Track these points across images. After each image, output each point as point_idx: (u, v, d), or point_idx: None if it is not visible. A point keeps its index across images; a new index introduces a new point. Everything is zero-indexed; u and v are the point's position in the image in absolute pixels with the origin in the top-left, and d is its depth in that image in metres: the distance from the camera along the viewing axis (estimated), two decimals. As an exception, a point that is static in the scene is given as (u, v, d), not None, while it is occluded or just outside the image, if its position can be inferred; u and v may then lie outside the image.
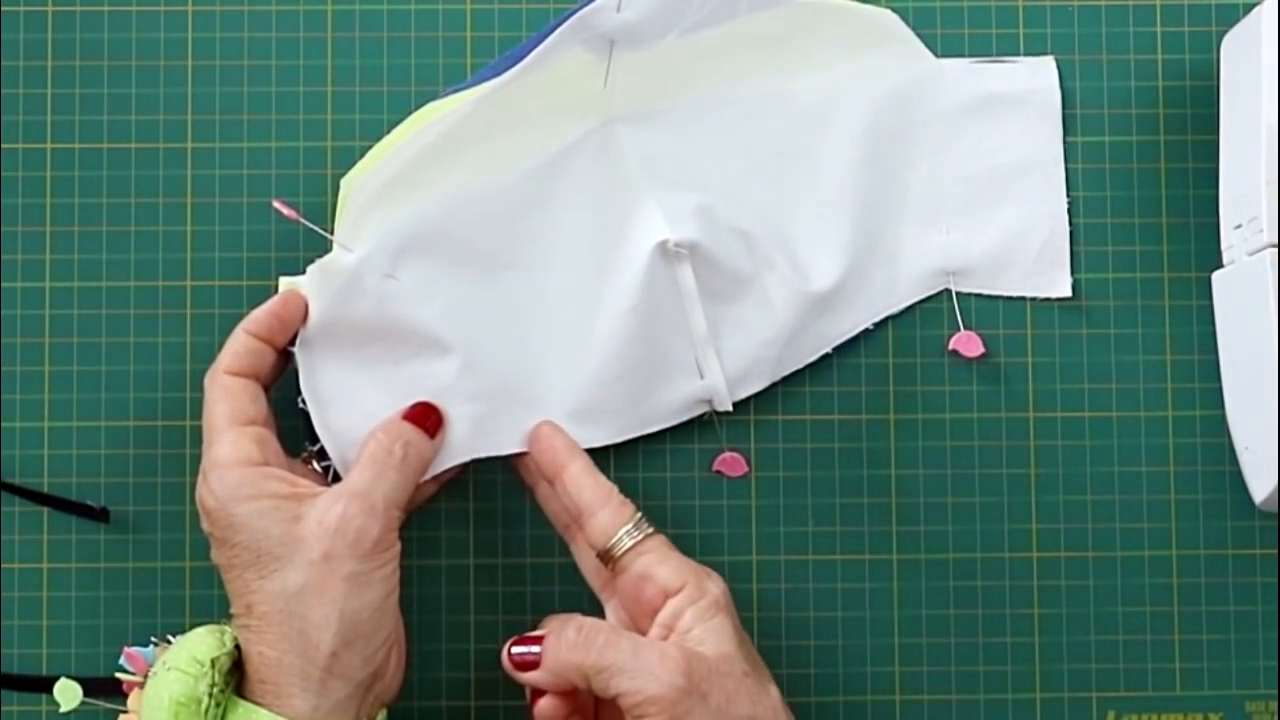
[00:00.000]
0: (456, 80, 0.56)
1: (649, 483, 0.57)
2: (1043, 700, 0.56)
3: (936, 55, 0.58)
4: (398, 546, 0.50)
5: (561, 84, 0.54)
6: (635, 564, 0.51)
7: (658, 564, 0.51)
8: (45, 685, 0.51)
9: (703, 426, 0.57)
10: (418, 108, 0.55)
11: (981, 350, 0.57)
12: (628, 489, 0.56)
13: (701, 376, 0.56)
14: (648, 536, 0.52)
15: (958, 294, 0.57)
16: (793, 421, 0.57)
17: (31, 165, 0.57)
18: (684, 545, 0.57)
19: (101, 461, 0.57)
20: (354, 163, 0.54)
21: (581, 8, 0.53)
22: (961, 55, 0.59)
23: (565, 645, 0.49)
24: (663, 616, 0.51)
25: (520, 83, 0.53)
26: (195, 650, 0.48)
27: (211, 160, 0.57)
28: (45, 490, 0.56)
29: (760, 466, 0.57)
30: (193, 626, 0.51)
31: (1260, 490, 0.54)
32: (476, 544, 0.57)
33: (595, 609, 0.56)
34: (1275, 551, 0.57)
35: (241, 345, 0.52)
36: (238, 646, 0.49)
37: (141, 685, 0.49)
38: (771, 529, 0.57)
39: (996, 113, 0.58)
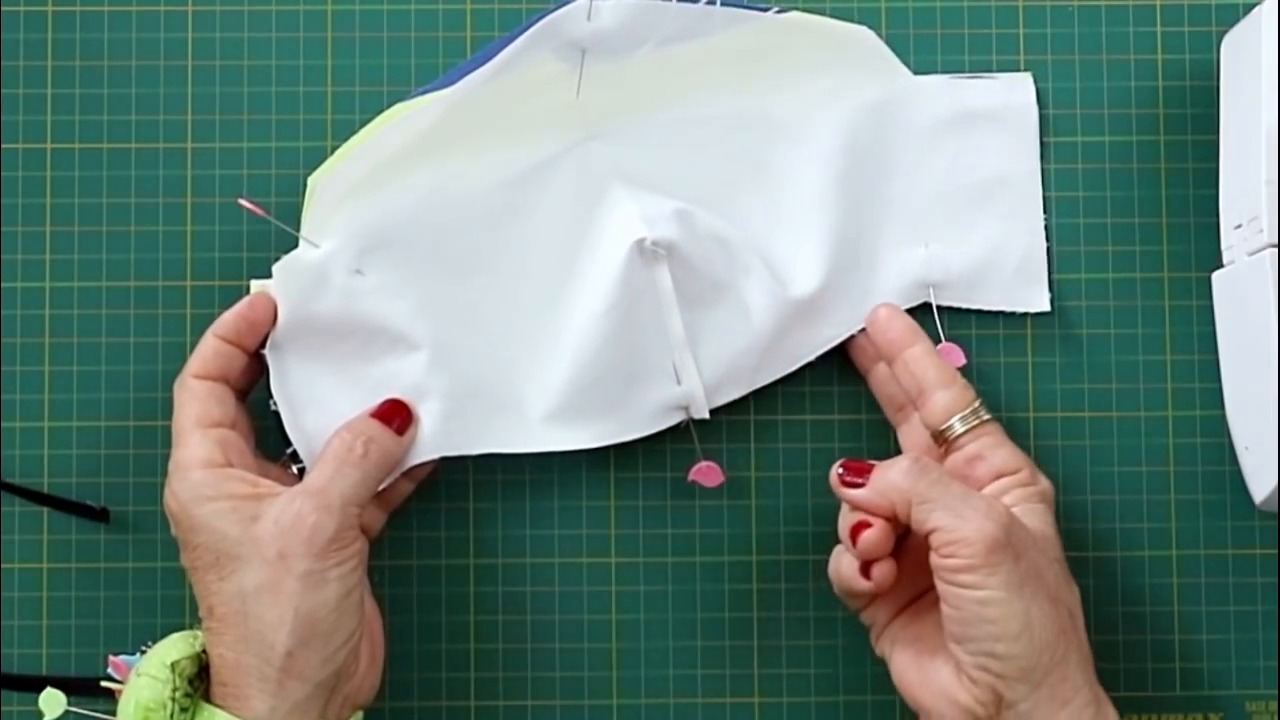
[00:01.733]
0: (456, 80, 0.56)
1: (648, 483, 0.57)
2: (1043, 700, 0.55)
3: (936, 55, 0.58)
4: (358, 544, 0.50)
5: (534, 92, 0.54)
6: (970, 445, 0.52)
7: (994, 447, 0.52)
8: (44, 685, 0.51)
9: (701, 431, 0.57)
10: (417, 108, 0.55)
11: (963, 362, 0.57)
12: (627, 488, 0.57)
13: (679, 382, 0.55)
14: (985, 422, 0.52)
15: (940, 305, 0.57)
16: (791, 422, 0.57)
17: (31, 165, 0.57)
18: (677, 546, 0.57)
19: (101, 461, 0.57)
20: (353, 163, 0.54)
21: (551, 12, 0.53)
22: (961, 54, 0.58)
23: (898, 469, 0.49)
24: (990, 490, 0.51)
25: (491, 87, 0.53)
26: (164, 655, 0.48)
27: (211, 160, 0.57)
28: (45, 490, 0.56)
29: (760, 467, 0.57)
30: (192, 627, 0.51)
31: (1260, 490, 0.54)
32: (476, 544, 0.57)
33: (595, 612, 0.56)
34: (1275, 551, 0.57)
35: (210, 349, 0.52)
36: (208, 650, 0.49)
37: None
38: (771, 529, 0.57)
39: (974, 129, 0.58)
